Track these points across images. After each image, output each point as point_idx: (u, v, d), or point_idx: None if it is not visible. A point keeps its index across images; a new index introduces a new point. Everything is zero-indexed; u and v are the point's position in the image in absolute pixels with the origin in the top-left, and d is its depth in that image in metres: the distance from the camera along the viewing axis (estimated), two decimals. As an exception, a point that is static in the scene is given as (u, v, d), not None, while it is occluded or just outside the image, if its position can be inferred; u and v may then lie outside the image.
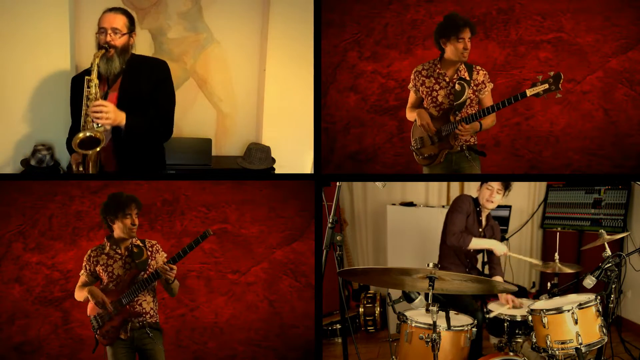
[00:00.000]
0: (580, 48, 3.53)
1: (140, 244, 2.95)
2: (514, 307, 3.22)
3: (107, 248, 2.93)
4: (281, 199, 3.47)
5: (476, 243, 3.32)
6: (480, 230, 3.40)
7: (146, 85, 3.01)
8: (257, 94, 3.69)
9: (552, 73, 2.97)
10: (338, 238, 2.70)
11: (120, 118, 2.88)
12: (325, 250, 2.73)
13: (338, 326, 4.13)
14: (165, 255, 3.00)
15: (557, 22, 3.54)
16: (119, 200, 2.91)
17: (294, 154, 3.65)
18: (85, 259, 2.96)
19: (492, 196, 3.32)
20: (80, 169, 2.94)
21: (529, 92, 3.00)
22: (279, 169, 3.58)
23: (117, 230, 2.91)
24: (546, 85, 2.97)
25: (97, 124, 2.87)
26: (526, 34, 3.57)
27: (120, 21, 2.97)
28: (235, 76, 3.66)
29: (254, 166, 3.51)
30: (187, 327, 3.43)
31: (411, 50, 3.66)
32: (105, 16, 2.97)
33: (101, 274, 2.93)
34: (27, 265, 3.37)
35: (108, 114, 2.83)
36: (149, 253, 2.95)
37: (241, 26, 3.61)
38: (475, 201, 3.39)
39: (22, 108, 3.32)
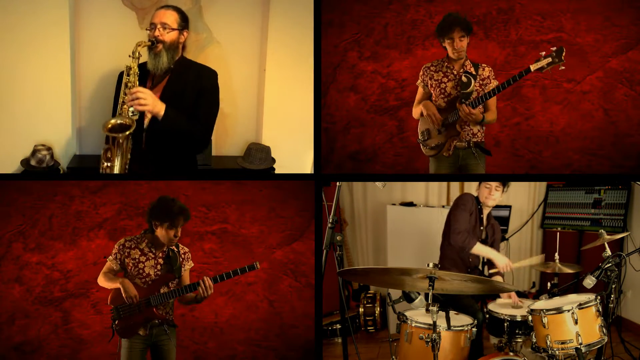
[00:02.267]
0: (580, 48, 3.53)
1: (175, 249, 2.91)
2: (515, 306, 3.21)
3: (143, 244, 2.88)
4: (281, 199, 3.47)
5: (479, 249, 3.31)
6: (482, 228, 3.40)
7: (190, 91, 2.98)
8: (257, 94, 3.68)
9: (554, 48, 2.99)
10: (338, 238, 2.70)
11: (159, 107, 2.84)
12: (325, 250, 2.73)
13: (338, 326, 4.13)
14: (192, 265, 2.98)
15: (557, 22, 3.54)
16: (170, 209, 2.83)
17: (294, 154, 3.64)
18: (116, 246, 2.89)
19: (491, 194, 3.33)
20: (107, 164, 2.86)
21: (532, 67, 3.02)
22: (279, 169, 3.58)
23: (159, 235, 2.86)
24: (549, 59, 2.99)
25: (133, 111, 2.84)
26: (526, 34, 3.57)
27: (170, 17, 2.98)
28: (235, 76, 3.65)
29: (254, 166, 3.51)
30: (187, 327, 3.43)
31: (411, 50, 3.66)
32: (156, 13, 2.99)
33: (129, 266, 2.87)
34: (27, 265, 3.36)
35: (146, 100, 2.80)
36: (181, 259, 2.92)
37: (241, 26, 3.60)
38: (477, 200, 3.40)
39: (22, 108, 3.31)
